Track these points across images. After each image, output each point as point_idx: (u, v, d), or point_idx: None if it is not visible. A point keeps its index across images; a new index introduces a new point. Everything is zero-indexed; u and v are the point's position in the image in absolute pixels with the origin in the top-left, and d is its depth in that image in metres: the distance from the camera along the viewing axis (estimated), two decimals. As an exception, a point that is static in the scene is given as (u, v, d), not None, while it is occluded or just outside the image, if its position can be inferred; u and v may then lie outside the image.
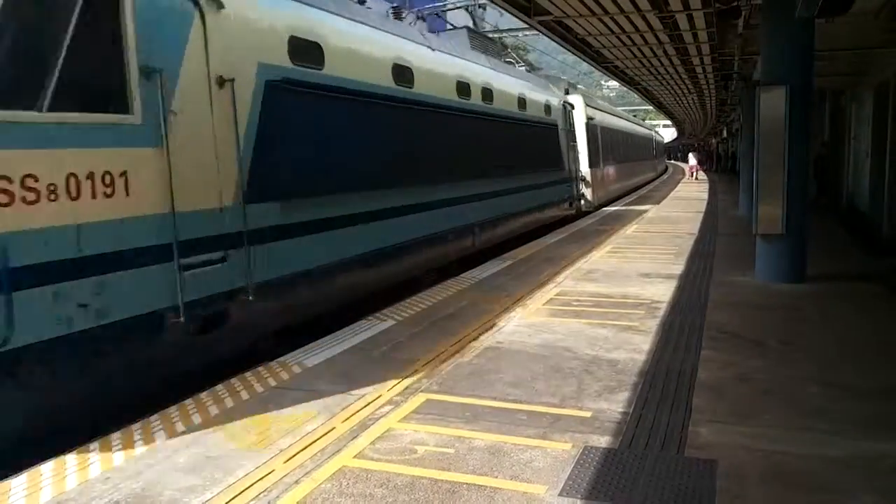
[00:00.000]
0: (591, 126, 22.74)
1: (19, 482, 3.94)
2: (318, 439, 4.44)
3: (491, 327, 7.15)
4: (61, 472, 4.05)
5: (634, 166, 35.90)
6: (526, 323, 7.30)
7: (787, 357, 6.04)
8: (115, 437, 4.52)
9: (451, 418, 4.76)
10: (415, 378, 5.59)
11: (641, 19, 13.31)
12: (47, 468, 4.10)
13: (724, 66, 19.54)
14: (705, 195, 27.18)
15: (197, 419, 4.80)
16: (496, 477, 3.92)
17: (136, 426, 4.69)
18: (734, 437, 4.40)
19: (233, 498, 3.72)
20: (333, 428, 4.61)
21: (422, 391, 5.29)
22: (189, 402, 5.11)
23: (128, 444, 4.40)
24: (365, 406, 5.00)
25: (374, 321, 7.47)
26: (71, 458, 4.22)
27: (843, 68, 15.06)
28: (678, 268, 10.46)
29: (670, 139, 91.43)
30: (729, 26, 13.85)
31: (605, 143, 25.24)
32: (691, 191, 30.77)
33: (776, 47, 9.23)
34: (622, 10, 12.42)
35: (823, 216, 16.99)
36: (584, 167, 21.68)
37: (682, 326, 7.08)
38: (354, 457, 4.19)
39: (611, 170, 26.31)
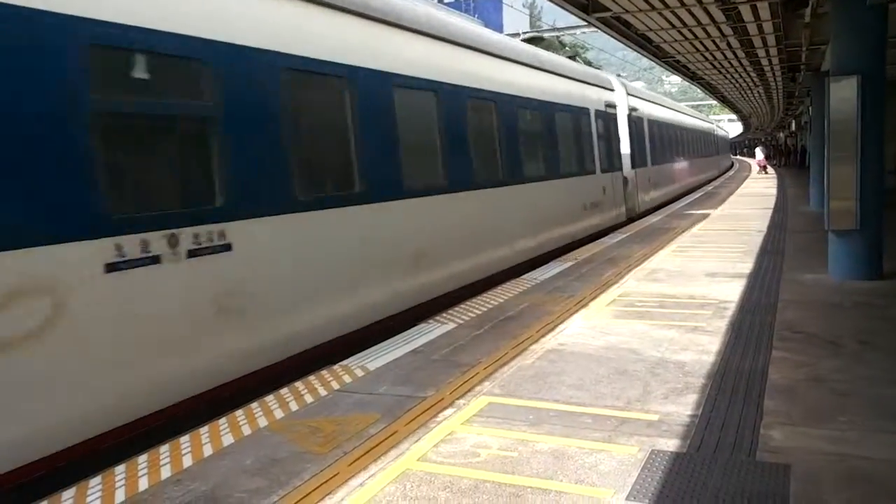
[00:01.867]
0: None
1: (95, 482, 4.06)
2: (381, 442, 4.46)
3: (553, 329, 7.08)
4: (134, 473, 4.16)
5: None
6: (588, 325, 7.21)
7: (865, 357, 5.80)
8: (184, 439, 4.63)
9: (514, 421, 4.72)
10: (476, 381, 5.57)
11: (703, 12, 13.03)
12: (120, 469, 4.22)
13: (791, 58, 18.96)
14: (773, 191, 26.41)
15: (263, 422, 4.87)
16: (561, 481, 3.87)
17: (203, 429, 4.79)
18: (809, 440, 4.25)
19: (299, 500, 3.76)
20: (396, 431, 4.63)
21: (484, 394, 5.27)
22: (255, 406, 5.20)
23: (196, 447, 4.50)
24: (427, 409, 5.00)
25: (434, 324, 7.48)
26: (143, 460, 4.34)
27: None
28: (746, 266, 10.18)
29: (736, 134, 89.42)
30: (795, 16, 13.43)
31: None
32: (758, 187, 29.93)
33: (846, 36, 8.90)
34: (683, 4, 12.18)
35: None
36: None
37: (751, 326, 6.87)
38: (418, 460, 4.20)
39: None
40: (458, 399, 5.18)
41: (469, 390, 5.35)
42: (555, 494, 3.72)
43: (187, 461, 4.29)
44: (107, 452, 4.71)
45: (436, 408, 5.02)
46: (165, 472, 4.15)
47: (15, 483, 4.31)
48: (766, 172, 40.64)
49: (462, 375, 5.71)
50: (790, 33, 15.24)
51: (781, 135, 63.87)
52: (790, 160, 47.90)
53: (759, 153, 43.85)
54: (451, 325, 7.37)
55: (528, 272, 10.60)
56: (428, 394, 5.31)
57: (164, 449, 4.49)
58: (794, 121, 47.17)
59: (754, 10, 12.96)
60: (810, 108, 21.68)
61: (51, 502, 3.86)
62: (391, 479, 3.96)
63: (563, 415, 4.80)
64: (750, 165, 52.79)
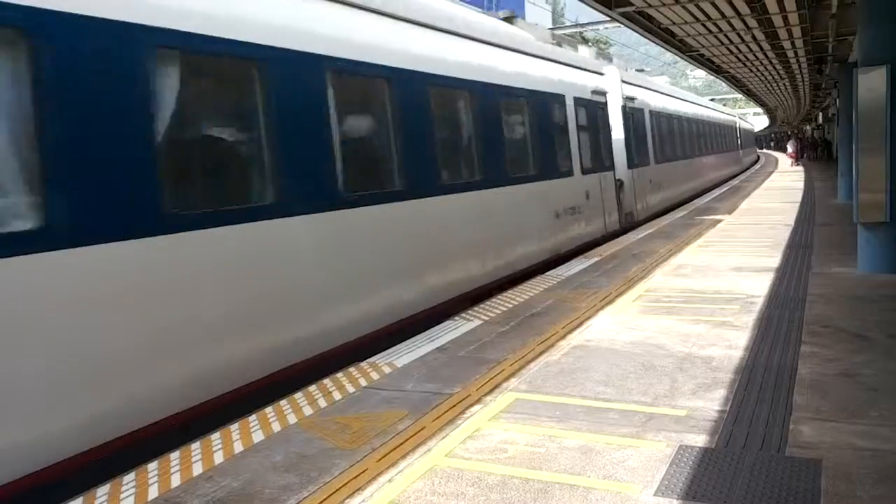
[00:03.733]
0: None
1: (129, 479, 4.13)
2: (409, 438, 4.49)
3: (579, 325, 7.07)
4: (167, 469, 4.23)
5: None
6: (615, 320, 7.18)
7: (895, 351, 5.73)
8: (215, 436, 4.69)
9: (541, 417, 4.73)
10: (503, 377, 5.58)
11: (728, 4, 12.93)
12: (153, 466, 4.29)
13: (818, 49, 18.72)
14: (800, 184, 26.10)
15: (292, 419, 4.92)
16: (589, 476, 3.87)
17: (234, 426, 4.85)
18: (839, 435, 4.21)
19: (329, 496, 3.80)
20: (424, 427, 4.65)
21: (510, 390, 5.28)
22: (284, 403, 5.25)
23: (227, 443, 4.56)
24: (454, 405, 5.02)
25: (460, 321, 7.49)
26: (175, 456, 4.41)
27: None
28: (774, 260, 10.08)
29: (761, 128, 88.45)
30: (821, 6, 13.29)
31: None
32: (785, 180, 29.59)
33: (874, 25, 8.78)
34: (707, -3, 12.09)
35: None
36: None
37: (779, 321, 6.81)
38: (445, 456, 4.22)
39: None
40: (484, 395, 5.19)
41: (495, 387, 5.37)
42: (583, 490, 3.72)
43: (218, 458, 4.35)
44: (140, 449, 4.79)
45: (462, 404, 5.04)
46: (197, 469, 4.21)
47: None
48: (798, 164, 42.14)
49: (488, 372, 5.72)
50: (816, 24, 15.06)
51: (808, 127, 63.27)
52: (816, 153, 48.16)
53: (790, 146, 46.26)
54: (476, 322, 7.38)
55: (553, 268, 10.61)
56: (455, 390, 5.33)
57: (196, 446, 4.55)
58: (820, 113, 46.72)
59: (780, 1, 12.83)
60: (837, 100, 21.40)
61: (86, 499, 3.93)
62: (419, 475, 3.99)
63: (591, 410, 4.80)
64: (777, 159, 52.68)
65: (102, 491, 4.00)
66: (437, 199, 8.68)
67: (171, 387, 5.23)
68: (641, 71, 23.95)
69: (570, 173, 12.79)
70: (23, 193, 4.58)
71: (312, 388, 5.57)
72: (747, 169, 44.59)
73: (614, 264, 10.64)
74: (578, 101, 13.51)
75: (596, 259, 11.23)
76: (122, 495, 3.94)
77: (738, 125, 44.68)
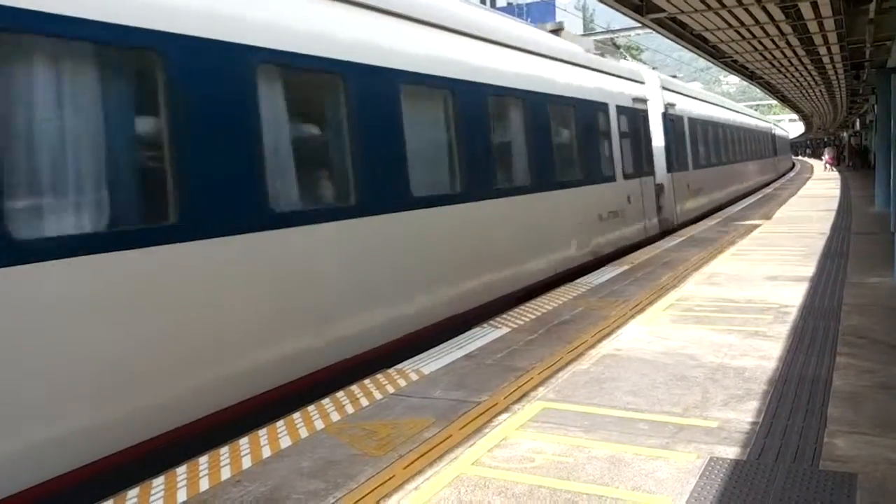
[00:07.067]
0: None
1: (158, 482, 4.18)
2: (435, 446, 4.48)
3: (608, 334, 7.00)
4: (195, 473, 4.26)
5: None
6: (645, 329, 7.11)
7: (935, 364, 5.59)
8: (244, 441, 4.73)
9: (569, 427, 4.69)
10: (531, 386, 5.54)
11: (761, 10, 12.75)
12: (182, 470, 4.33)
13: (854, 55, 18.37)
14: (836, 192, 25.66)
15: (319, 424, 4.94)
16: (617, 487, 3.83)
17: (262, 431, 4.88)
18: (876, 449, 4.11)
19: (355, 502, 3.80)
20: (450, 435, 4.64)
21: (538, 399, 5.24)
22: (311, 408, 5.28)
23: (255, 448, 4.58)
24: (481, 414, 5.00)
25: (488, 328, 7.47)
26: (203, 460, 4.44)
27: None
28: (808, 270, 9.91)
29: (797, 134, 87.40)
30: (858, 12, 13.04)
31: None
32: (820, 188, 29.12)
33: (913, 31, 8.62)
34: (740, 3, 11.94)
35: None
36: None
37: (814, 331, 6.69)
38: (472, 464, 4.20)
39: None
40: (512, 404, 5.16)
41: (523, 395, 5.34)
42: (610, 501, 3.68)
43: (246, 462, 4.38)
44: (168, 453, 4.84)
45: (490, 412, 5.01)
46: (225, 473, 4.24)
47: None
48: (834, 170, 44.86)
49: (516, 380, 5.70)
50: (853, 30, 14.79)
51: (845, 134, 62.40)
52: (851, 161, 47.78)
53: (827, 153, 49.99)
54: (504, 330, 7.36)
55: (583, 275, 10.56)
56: (482, 398, 5.31)
57: (224, 450, 4.59)
58: (858, 120, 45.93)
59: (815, 7, 12.62)
60: (875, 107, 21.01)
61: (116, 501, 3.98)
62: (445, 483, 3.98)
63: (620, 421, 4.75)
64: (811, 166, 52.63)
65: (132, 493, 4.05)
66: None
67: None
68: (673, 77, 25.74)
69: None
70: None
71: (340, 394, 5.59)
72: (789, 168, 55.04)
73: (645, 272, 10.54)
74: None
75: (626, 267, 11.14)
76: (152, 498, 3.98)
77: (773, 132, 50.46)
